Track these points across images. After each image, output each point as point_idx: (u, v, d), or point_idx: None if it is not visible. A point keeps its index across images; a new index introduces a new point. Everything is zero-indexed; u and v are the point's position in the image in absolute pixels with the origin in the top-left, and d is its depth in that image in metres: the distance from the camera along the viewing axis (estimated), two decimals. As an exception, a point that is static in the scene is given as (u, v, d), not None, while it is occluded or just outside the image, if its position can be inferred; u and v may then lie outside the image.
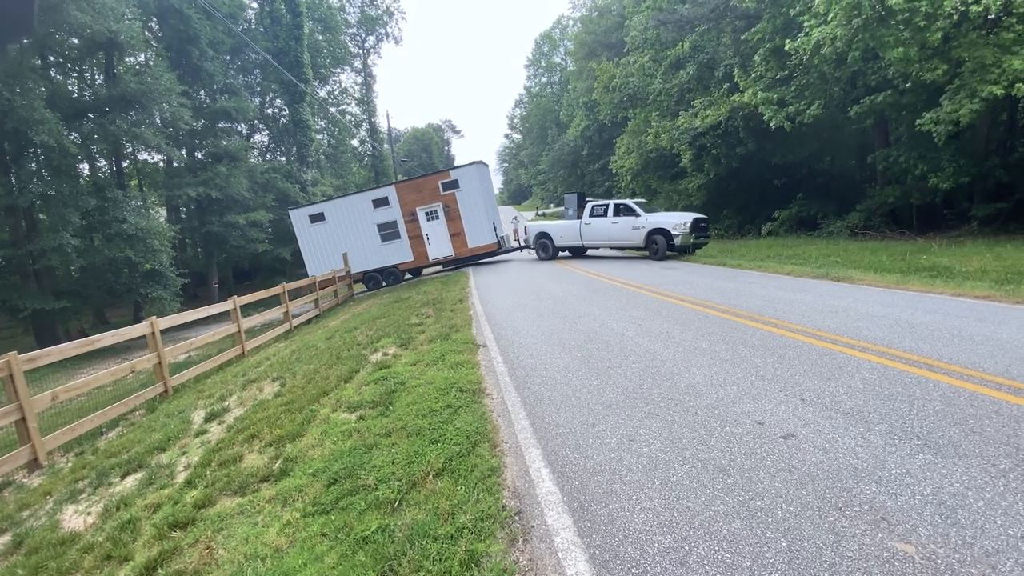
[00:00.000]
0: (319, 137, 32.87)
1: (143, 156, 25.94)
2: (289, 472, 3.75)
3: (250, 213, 21.48)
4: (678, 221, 13.93)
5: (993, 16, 10.40)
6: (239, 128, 26.66)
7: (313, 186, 28.93)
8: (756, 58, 16.64)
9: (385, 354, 7.02)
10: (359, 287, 22.19)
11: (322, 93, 34.69)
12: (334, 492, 3.21)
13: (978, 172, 13.09)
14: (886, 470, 2.59)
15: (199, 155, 25.00)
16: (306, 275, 18.86)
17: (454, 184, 18.12)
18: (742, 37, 17.46)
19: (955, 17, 10.14)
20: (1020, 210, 13.09)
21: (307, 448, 4.11)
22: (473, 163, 18.87)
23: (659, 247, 13.95)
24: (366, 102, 40.82)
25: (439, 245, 18.66)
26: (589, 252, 17.16)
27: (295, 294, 16.24)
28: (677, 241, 13.61)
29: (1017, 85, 9.71)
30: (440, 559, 2.29)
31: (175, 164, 24.79)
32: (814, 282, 8.75)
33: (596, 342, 5.77)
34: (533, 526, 2.48)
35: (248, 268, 23.53)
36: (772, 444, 2.99)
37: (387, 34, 42.16)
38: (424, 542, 2.43)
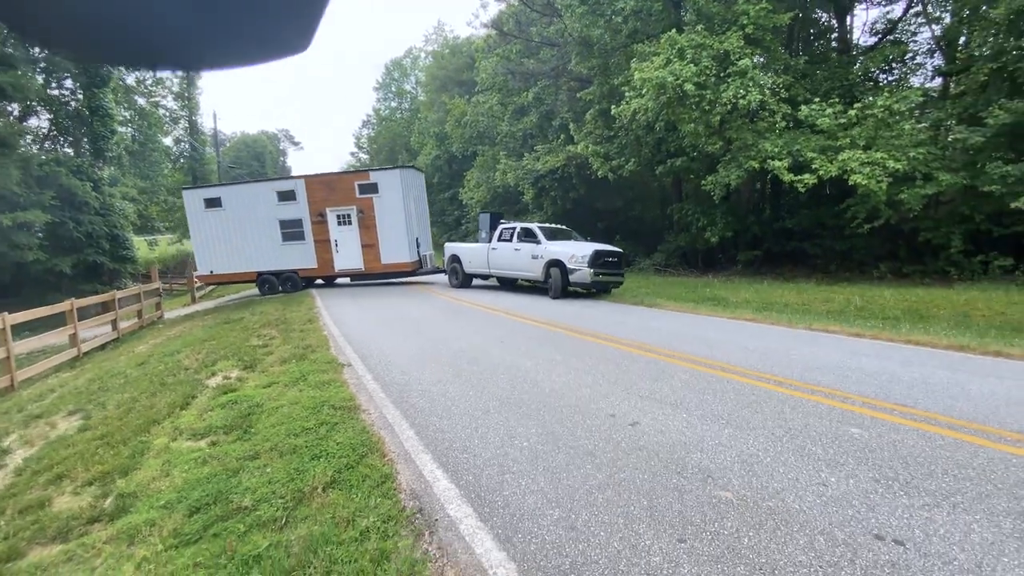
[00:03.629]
0: (122, 130, 27.61)
1: None
2: (129, 509, 3.23)
3: (19, 212, 16.69)
4: (575, 252, 11.48)
5: (754, 108, 13.84)
6: (10, 108, 20.87)
7: (111, 185, 23.95)
8: (587, 116, 19.25)
9: (227, 378, 6.34)
10: (171, 305, 19.14)
11: (130, 80, 29.38)
12: (200, 520, 2.90)
13: (741, 227, 16.98)
14: (706, 442, 3.38)
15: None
16: (105, 289, 15.51)
17: (373, 188, 16.22)
18: (577, 96, 20.06)
19: (729, 107, 13.26)
20: (768, 257, 17.27)
21: (148, 481, 3.58)
22: (399, 167, 16.94)
23: (554, 282, 11.66)
24: (187, 98, 35.63)
25: (348, 255, 16.55)
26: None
27: (83, 314, 13.35)
28: (573, 277, 11.32)
29: (768, 162, 13.04)
30: (349, 561, 2.31)
31: None
32: (633, 307, 10.38)
33: (465, 359, 6.07)
34: (437, 519, 2.63)
35: (9, 281, 18.18)
36: (624, 430, 3.62)
37: (216, 28, 37.83)
38: (328, 548, 2.41)
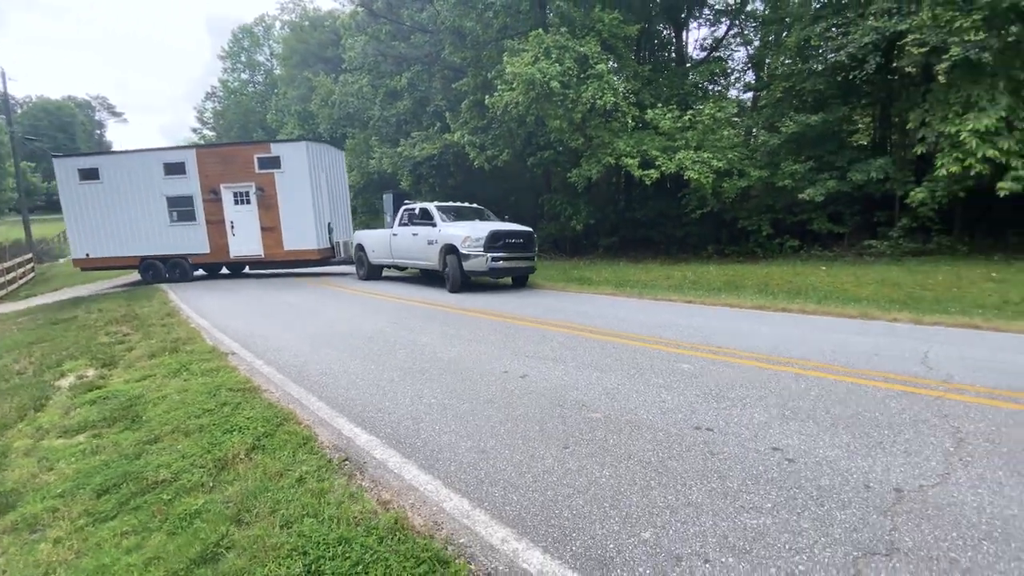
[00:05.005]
0: None
1: None
2: (15, 504, 3.06)
3: None
4: (470, 234, 9.91)
5: (609, 109, 15.54)
6: None
7: None
8: (463, 106, 19.71)
9: (82, 377, 5.79)
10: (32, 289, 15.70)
11: None
12: (113, 499, 2.91)
13: (601, 216, 18.98)
14: (580, 384, 4.19)
15: None
16: None
17: (274, 162, 14.34)
18: (452, 86, 20.38)
19: (588, 106, 14.74)
20: (623, 242, 19.57)
21: (27, 478, 3.37)
22: (305, 140, 15.10)
23: (451, 272, 10.14)
24: (-41, 50, 28.28)
25: (246, 239, 14.58)
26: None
27: None
28: (468, 264, 9.85)
29: (621, 159, 14.81)
30: (292, 500, 2.60)
31: None
32: (514, 288, 11.28)
33: (360, 338, 6.28)
34: (365, 462, 3.01)
35: None
36: (516, 381, 4.29)
37: (0, -35, 30.38)
38: (268, 494, 2.66)
